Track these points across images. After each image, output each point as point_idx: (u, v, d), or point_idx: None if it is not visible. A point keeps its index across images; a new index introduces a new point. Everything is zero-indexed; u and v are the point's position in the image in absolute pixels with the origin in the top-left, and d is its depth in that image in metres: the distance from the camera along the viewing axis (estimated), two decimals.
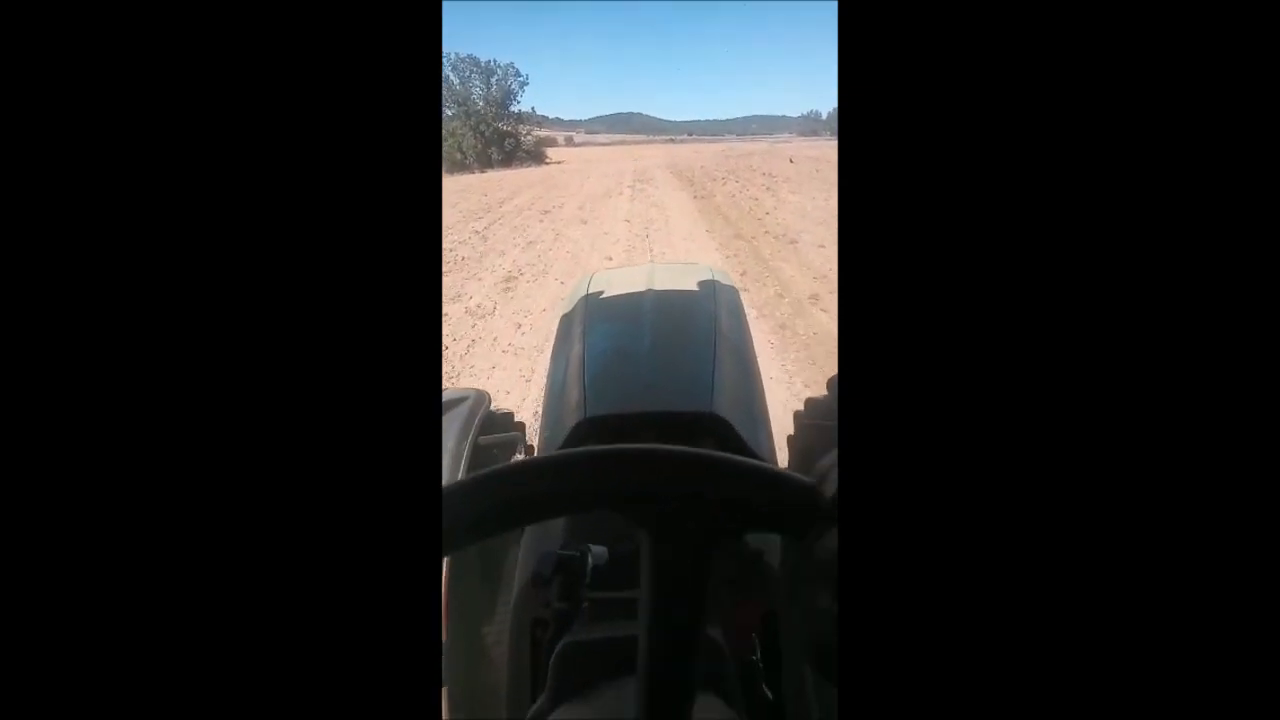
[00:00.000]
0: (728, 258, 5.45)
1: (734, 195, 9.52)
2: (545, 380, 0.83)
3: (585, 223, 7.68)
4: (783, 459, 0.92)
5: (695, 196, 9.62)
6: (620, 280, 1.02)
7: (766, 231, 6.45)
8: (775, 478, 0.29)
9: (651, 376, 0.74)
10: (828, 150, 21.10)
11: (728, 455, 0.29)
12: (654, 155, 24.56)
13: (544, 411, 0.79)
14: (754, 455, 0.64)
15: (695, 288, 0.98)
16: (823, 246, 5.65)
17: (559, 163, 21.89)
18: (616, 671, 0.43)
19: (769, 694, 0.53)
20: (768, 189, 10.13)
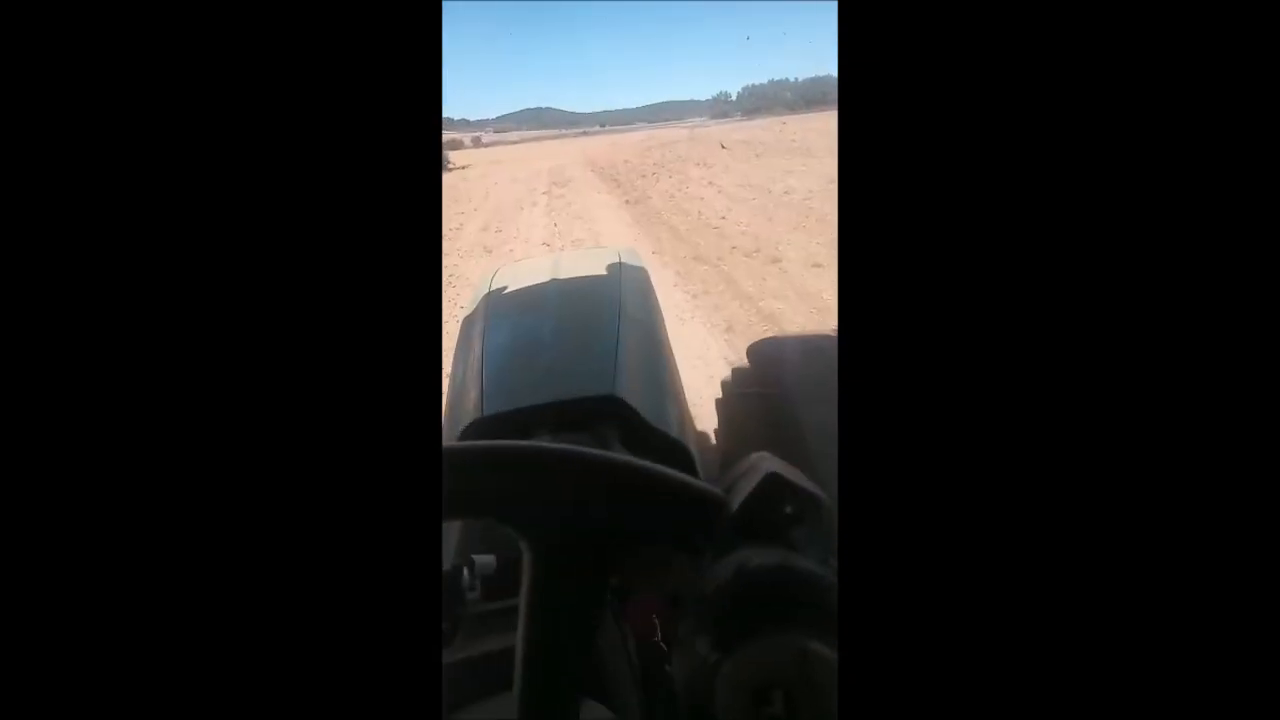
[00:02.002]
0: (694, 296, 3.80)
1: (673, 195, 7.88)
2: (446, 386, 0.76)
3: (490, 251, 5.85)
4: (707, 430, 0.90)
5: (627, 201, 7.89)
6: (524, 273, 1.00)
7: (734, 247, 4.85)
8: (678, 486, 0.26)
9: (552, 365, 0.72)
10: (753, 131, 19.77)
11: (621, 458, 0.26)
12: (569, 150, 22.54)
13: (445, 417, 0.73)
14: (659, 434, 0.63)
15: (601, 271, 0.96)
16: (819, 266, 4.11)
17: (462, 168, 19.57)
18: (494, 688, 0.39)
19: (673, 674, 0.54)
20: (709, 184, 8.54)
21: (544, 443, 0.27)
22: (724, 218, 6.02)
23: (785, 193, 6.93)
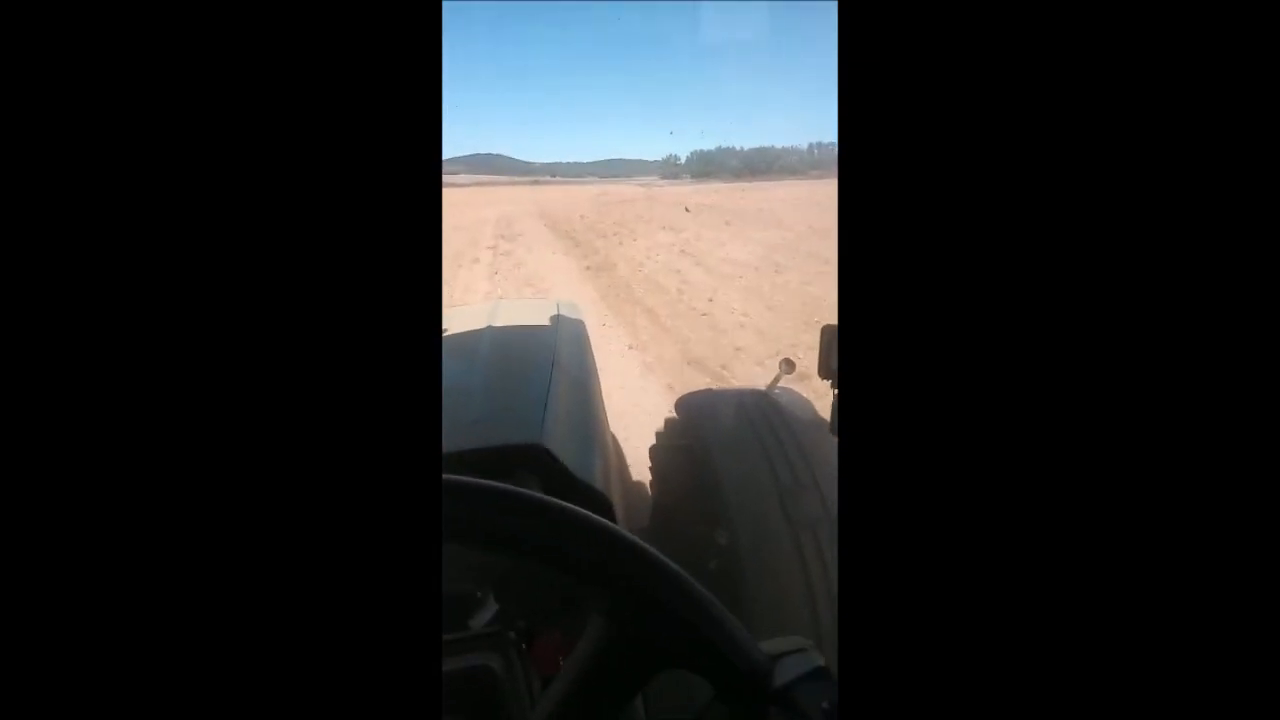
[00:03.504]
0: None
1: (642, 264, 6.76)
2: None
3: None
4: (638, 476, 1.00)
5: (588, 267, 6.70)
6: (460, 319, 1.04)
7: (739, 349, 3.68)
8: (739, 640, 0.29)
9: (481, 413, 0.72)
10: (713, 195, 19.33)
11: (702, 593, 0.29)
12: (519, 199, 21.34)
13: None
14: (579, 483, 0.63)
15: (538, 321, 1.02)
16: None
17: None
18: None
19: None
20: (682, 252, 7.50)
21: (647, 547, 0.29)
22: (712, 300, 4.90)
23: (776, 271, 5.93)
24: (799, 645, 0.30)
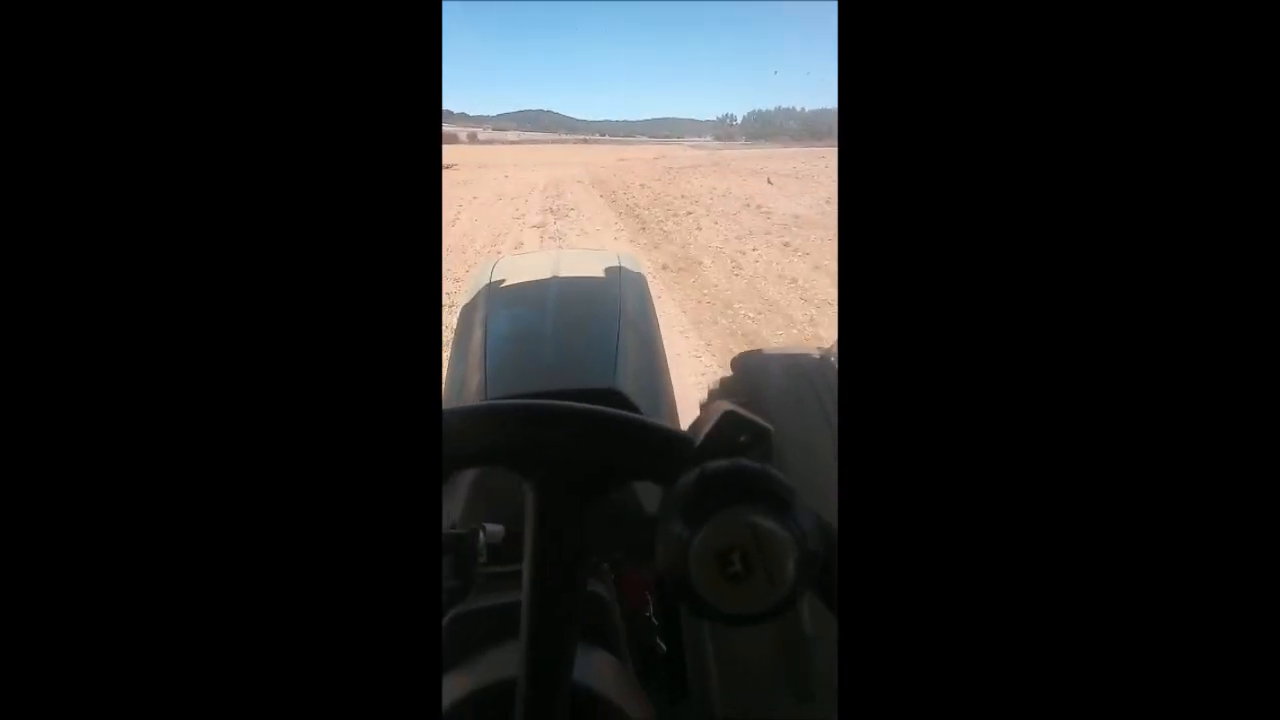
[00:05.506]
0: None
1: (738, 264, 5.01)
2: (446, 370, 0.78)
3: None
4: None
5: (665, 266, 4.97)
6: (524, 267, 1.03)
7: None
8: (651, 430, 0.32)
9: (554, 357, 0.76)
10: (791, 161, 17.09)
11: (596, 409, 0.31)
12: (569, 160, 19.50)
13: (446, 399, 0.77)
14: None
15: (601, 273, 1.00)
16: None
17: (447, 168, 16.54)
18: (502, 637, 0.45)
19: (663, 646, 0.57)
20: (787, 245, 5.69)
21: (538, 400, 0.31)
22: None
23: None
24: (714, 408, 0.31)
